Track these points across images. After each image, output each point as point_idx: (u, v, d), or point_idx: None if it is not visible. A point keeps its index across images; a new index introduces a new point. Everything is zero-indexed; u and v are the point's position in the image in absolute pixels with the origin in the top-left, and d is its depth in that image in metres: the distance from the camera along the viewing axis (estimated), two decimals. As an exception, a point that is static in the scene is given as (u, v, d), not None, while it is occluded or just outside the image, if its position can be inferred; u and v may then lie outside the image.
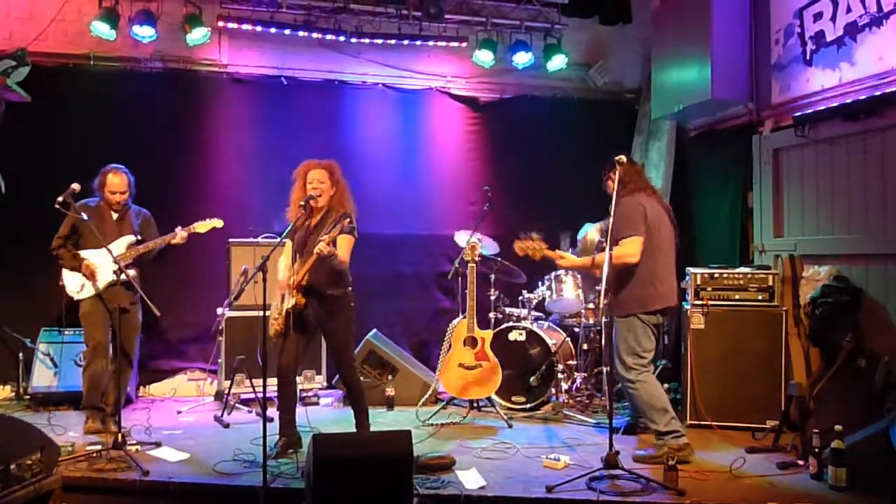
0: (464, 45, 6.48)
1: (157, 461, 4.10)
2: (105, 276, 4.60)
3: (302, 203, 4.11)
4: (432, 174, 6.73)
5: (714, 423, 4.78)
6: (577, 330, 5.67)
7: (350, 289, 4.30)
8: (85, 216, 4.46)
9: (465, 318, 5.15)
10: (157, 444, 4.38)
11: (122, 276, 4.30)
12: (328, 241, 3.90)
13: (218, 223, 4.81)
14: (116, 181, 4.67)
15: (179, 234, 4.62)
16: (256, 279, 3.71)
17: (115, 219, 4.68)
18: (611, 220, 4.00)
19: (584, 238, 5.85)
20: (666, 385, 5.00)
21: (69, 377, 5.30)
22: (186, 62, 6.17)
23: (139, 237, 4.55)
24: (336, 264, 4.09)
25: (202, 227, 4.74)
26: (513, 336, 5.49)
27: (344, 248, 4.11)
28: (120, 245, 4.61)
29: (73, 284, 4.65)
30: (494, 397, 5.32)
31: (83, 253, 4.64)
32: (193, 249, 5.93)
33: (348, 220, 4.00)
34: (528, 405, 5.42)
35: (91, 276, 4.57)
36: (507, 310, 5.81)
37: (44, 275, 5.10)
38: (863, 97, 4.74)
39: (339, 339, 4.33)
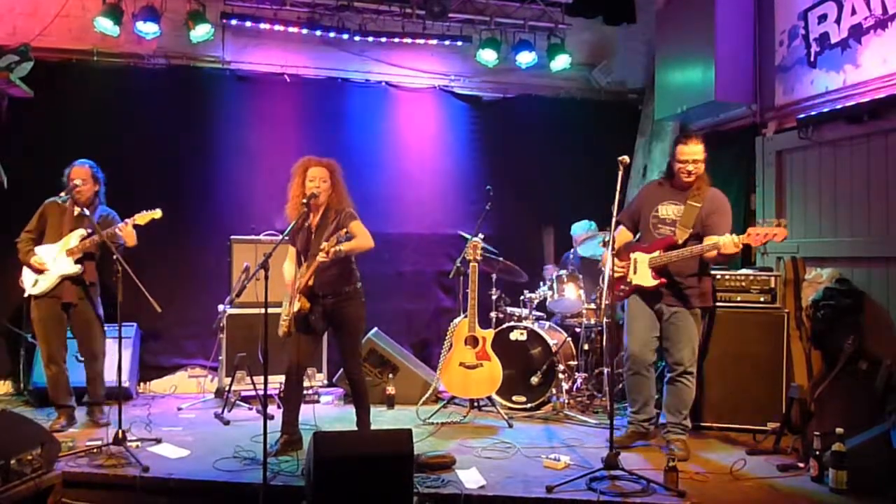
0: (467, 44, 6.47)
1: (158, 458, 4.09)
2: (56, 269, 4.66)
3: (304, 201, 4.11)
4: (434, 173, 6.73)
5: (715, 425, 4.77)
6: (578, 330, 5.67)
7: (359, 285, 4.33)
8: (87, 212, 4.53)
9: (466, 317, 5.15)
10: (158, 441, 4.38)
11: (75, 269, 4.61)
12: (327, 250, 3.94)
13: (156, 214, 4.62)
14: (78, 171, 4.70)
15: (121, 227, 4.56)
16: (258, 276, 3.71)
17: (76, 215, 4.70)
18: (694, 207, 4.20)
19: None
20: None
21: (69, 373, 5.29)
22: (190, 59, 6.18)
23: (89, 231, 4.55)
24: (362, 251, 4.18)
25: (142, 219, 4.60)
26: (514, 336, 5.49)
27: (360, 232, 4.16)
28: (73, 238, 4.67)
29: (28, 280, 4.71)
30: (495, 397, 5.31)
31: (40, 248, 4.70)
32: (194, 246, 5.97)
33: (346, 230, 4.02)
34: (529, 405, 5.41)
35: (39, 270, 4.65)
36: (509, 309, 5.81)
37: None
38: (867, 100, 4.73)
39: (348, 336, 4.33)
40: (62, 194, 4.59)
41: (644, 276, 4.27)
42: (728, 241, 3.95)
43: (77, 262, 4.67)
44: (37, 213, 4.75)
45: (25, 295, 4.75)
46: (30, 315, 4.80)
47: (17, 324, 5.56)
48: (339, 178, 4.31)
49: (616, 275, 4.30)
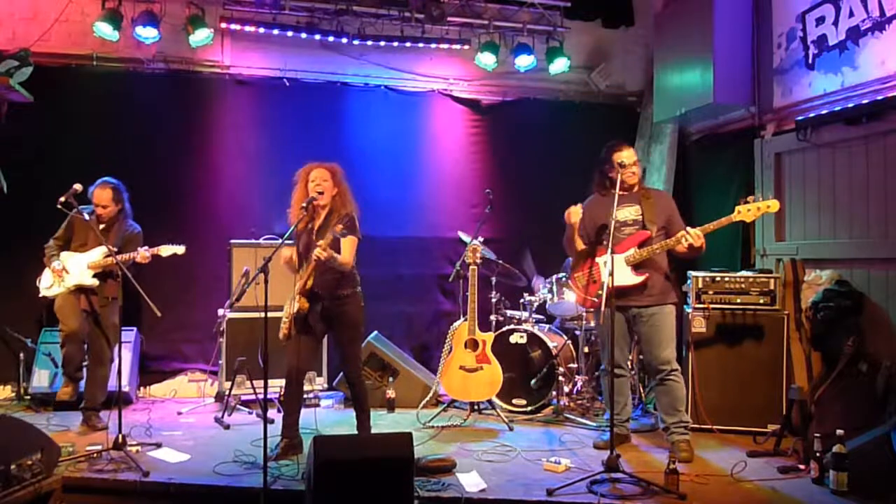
0: (466, 47, 6.48)
1: (158, 462, 4.10)
2: (74, 279, 4.77)
3: (304, 204, 4.11)
4: (434, 176, 6.73)
5: (715, 427, 4.77)
6: (577, 333, 5.67)
7: (359, 289, 4.32)
8: (86, 216, 4.58)
9: (466, 320, 5.15)
10: (158, 445, 4.39)
11: (92, 283, 4.75)
12: (324, 247, 3.92)
13: (180, 250, 4.83)
14: (100, 195, 4.80)
15: (142, 254, 4.71)
16: (258, 280, 3.71)
17: (101, 230, 4.77)
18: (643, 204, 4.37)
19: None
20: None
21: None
22: (189, 63, 6.18)
23: (114, 250, 4.58)
24: (338, 267, 4.10)
25: (165, 250, 4.79)
26: (514, 339, 5.49)
27: (346, 250, 4.13)
28: (97, 253, 4.79)
29: (45, 281, 4.84)
30: (495, 400, 5.31)
31: (64, 254, 4.83)
32: (194, 250, 5.94)
33: (341, 225, 4.00)
34: (529, 408, 5.41)
35: (58, 273, 4.76)
36: (508, 312, 5.82)
37: (45, 275, 5.11)
38: (865, 101, 4.74)
39: (347, 339, 4.33)
40: (86, 214, 4.68)
41: (624, 276, 4.28)
42: (693, 232, 4.11)
43: (97, 276, 4.78)
44: (65, 223, 4.85)
45: (40, 295, 4.85)
46: (38, 323, 5.02)
47: (18, 328, 5.55)
48: (341, 180, 4.31)
49: (580, 284, 4.53)
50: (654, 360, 4.35)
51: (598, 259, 4.43)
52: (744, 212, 4.04)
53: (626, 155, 4.39)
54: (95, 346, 4.87)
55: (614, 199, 4.05)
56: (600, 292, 4.30)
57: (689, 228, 4.14)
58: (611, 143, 4.50)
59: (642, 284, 4.29)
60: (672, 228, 4.31)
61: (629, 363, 5.16)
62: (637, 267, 4.30)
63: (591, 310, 4.84)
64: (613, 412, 4.02)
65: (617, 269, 4.26)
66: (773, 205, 4.05)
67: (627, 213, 4.40)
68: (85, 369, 4.94)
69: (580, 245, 4.57)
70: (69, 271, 4.78)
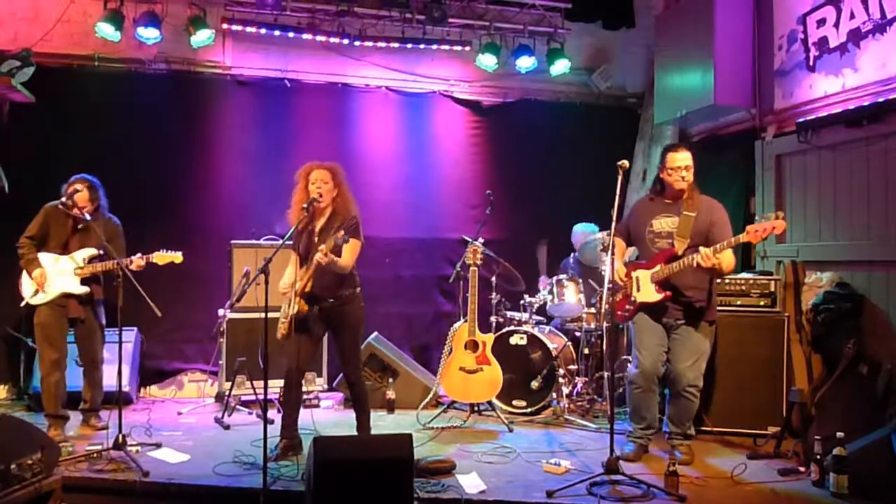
0: (467, 48, 6.49)
1: (158, 462, 4.10)
2: (59, 284, 4.55)
3: (305, 205, 4.10)
4: (435, 177, 6.74)
5: (715, 429, 4.76)
6: (578, 334, 5.67)
7: (359, 289, 4.32)
8: (88, 216, 4.52)
9: (466, 321, 5.14)
10: (158, 446, 4.39)
11: (82, 290, 4.56)
12: (325, 251, 3.91)
13: (177, 258, 4.66)
14: (78, 196, 4.55)
15: (136, 262, 4.53)
16: (258, 281, 3.71)
17: (80, 229, 4.59)
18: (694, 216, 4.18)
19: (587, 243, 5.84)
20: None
21: (69, 377, 5.26)
22: (190, 64, 6.19)
23: (101, 252, 4.45)
24: (337, 270, 4.10)
25: (161, 258, 4.62)
26: (514, 340, 5.48)
27: (348, 253, 4.12)
28: (81, 257, 4.60)
29: (28, 289, 4.58)
30: (495, 401, 5.31)
31: (42, 255, 4.59)
32: (195, 250, 5.96)
33: (343, 231, 3.98)
34: (529, 409, 5.41)
35: (40, 286, 4.50)
36: (509, 314, 5.81)
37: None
38: (866, 103, 4.74)
39: (347, 340, 4.33)
40: (62, 201, 4.50)
41: (648, 292, 4.22)
42: (703, 252, 3.94)
43: (84, 281, 4.60)
44: (39, 219, 4.61)
45: (22, 304, 4.62)
46: (31, 319, 4.66)
47: (18, 328, 5.56)
48: (342, 181, 4.29)
49: (618, 294, 4.30)
50: (673, 372, 4.28)
51: (632, 274, 4.29)
52: (752, 233, 3.87)
53: (678, 157, 4.24)
54: (89, 349, 4.80)
55: (656, 205, 4.11)
56: (629, 307, 4.31)
57: (701, 248, 3.98)
58: (671, 142, 4.41)
59: (661, 303, 4.18)
60: (710, 245, 4.06)
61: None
62: (662, 284, 4.18)
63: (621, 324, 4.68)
64: (614, 414, 4.00)
65: (643, 285, 4.25)
66: (779, 226, 3.85)
67: (664, 223, 4.27)
68: (81, 370, 4.91)
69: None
70: (51, 282, 4.50)
